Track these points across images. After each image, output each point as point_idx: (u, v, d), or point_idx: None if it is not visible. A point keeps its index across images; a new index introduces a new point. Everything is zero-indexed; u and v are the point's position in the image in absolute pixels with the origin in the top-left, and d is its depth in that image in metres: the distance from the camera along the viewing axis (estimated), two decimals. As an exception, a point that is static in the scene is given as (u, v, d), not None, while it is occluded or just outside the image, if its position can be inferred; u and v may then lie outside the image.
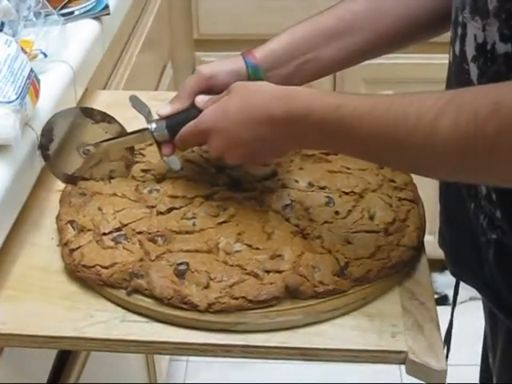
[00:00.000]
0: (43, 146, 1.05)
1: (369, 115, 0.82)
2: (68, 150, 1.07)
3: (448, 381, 0.86)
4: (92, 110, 1.09)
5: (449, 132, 0.74)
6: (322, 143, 0.90)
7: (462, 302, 2.36)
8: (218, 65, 1.06)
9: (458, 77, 0.92)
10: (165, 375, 1.99)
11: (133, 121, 1.26)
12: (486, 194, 0.91)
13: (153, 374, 1.80)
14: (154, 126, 1.04)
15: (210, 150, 0.98)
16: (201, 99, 1.02)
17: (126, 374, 1.57)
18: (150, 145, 1.13)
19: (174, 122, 1.03)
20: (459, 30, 0.89)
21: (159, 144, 1.04)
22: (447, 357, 1.16)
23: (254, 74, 1.04)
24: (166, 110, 1.04)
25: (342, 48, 1.06)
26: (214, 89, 1.03)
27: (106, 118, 1.08)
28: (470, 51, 0.87)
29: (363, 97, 0.86)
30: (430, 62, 2.09)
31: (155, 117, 1.05)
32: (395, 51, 1.10)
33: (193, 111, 1.02)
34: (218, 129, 0.95)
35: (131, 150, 1.09)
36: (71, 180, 1.08)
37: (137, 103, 1.07)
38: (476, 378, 1.26)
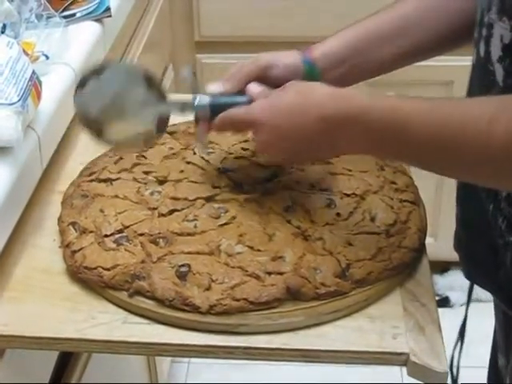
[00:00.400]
0: (84, 80, 1.01)
1: (424, 119, 0.82)
2: (104, 97, 1.02)
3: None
4: (152, 78, 1.03)
5: (503, 139, 0.75)
6: (373, 146, 0.89)
7: (462, 305, 2.37)
8: (277, 56, 1.04)
9: (482, 78, 0.91)
10: (166, 376, 2.00)
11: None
12: (507, 196, 0.91)
13: (154, 374, 1.80)
14: (197, 99, 1.01)
15: (256, 142, 0.98)
16: (253, 88, 1.00)
17: (128, 375, 1.57)
18: (151, 147, 1.14)
19: (219, 103, 1.01)
20: (484, 31, 0.89)
21: (197, 120, 1.02)
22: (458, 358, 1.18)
23: (310, 71, 1.04)
24: (215, 87, 1.02)
25: (394, 50, 1.06)
26: (267, 79, 1.02)
27: (158, 90, 1.03)
28: (496, 52, 0.87)
29: (417, 100, 0.85)
30: (432, 64, 2.09)
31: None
32: (443, 53, 1.10)
33: (241, 98, 1.00)
34: (268, 123, 0.93)
35: (166, 119, 1.05)
36: (89, 124, 1.03)
37: (189, 75, 1.05)
38: (480, 379, 1.26)
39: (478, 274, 1.07)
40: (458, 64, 2.08)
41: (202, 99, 1.01)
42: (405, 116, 0.83)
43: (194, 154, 1.12)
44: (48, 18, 1.22)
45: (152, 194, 1.04)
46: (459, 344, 1.26)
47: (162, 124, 1.04)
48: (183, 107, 1.03)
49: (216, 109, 1.00)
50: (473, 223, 1.04)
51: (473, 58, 0.95)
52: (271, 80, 1.02)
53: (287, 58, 1.04)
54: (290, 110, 0.92)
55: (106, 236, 0.97)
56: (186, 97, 1.02)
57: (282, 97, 0.94)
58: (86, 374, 1.18)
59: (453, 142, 0.80)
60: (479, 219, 0.99)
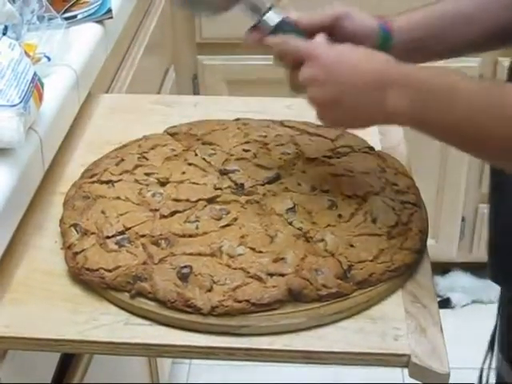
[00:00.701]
0: None
1: (471, 83, 0.89)
2: None
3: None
4: None
5: None
6: (419, 109, 0.89)
7: (463, 306, 2.37)
8: (356, 11, 1.03)
9: None
10: (167, 376, 2.00)
11: (135, 124, 1.27)
12: None
13: (155, 375, 1.80)
14: (271, 12, 1.01)
15: (305, 75, 0.95)
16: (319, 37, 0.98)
17: (129, 375, 1.57)
18: (153, 148, 1.14)
19: (286, 26, 1.01)
20: None
21: (254, 27, 1.02)
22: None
23: (384, 38, 1.03)
24: (293, 13, 1.02)
25: (458, 37, 1.06)
26: (339, 29, 1.01)
27: None
28: None
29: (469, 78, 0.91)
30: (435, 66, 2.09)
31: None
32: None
33: (304, 35, 0.99)
34: (325, 62, 0.94)
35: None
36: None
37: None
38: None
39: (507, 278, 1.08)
40: (461, 65, 2.09)
41: (273, 16, 1.01)
42: (453, 79, 0.89)
43: (196, 155, 1.12)
44: (50, 19, 1.22)
45: (154, 195, 1.04)
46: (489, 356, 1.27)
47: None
48: (253, 8, 1.02)
49: (280, 29, 1.00)
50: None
51: None
52: (342, 31, 1.01)
53: (365, 17, 1.04)
54: (349, 57, 0.94)
55: (108, 237, 0.97)
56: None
57: (351, 51, 0.95)
58: (88, 374, 1.18)
59: (500, 107, 0.83)
60: None
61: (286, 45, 0.99)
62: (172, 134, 1.19)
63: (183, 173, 1.09)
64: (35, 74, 1.03)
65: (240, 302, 0.89)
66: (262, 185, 1.06)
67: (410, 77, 0.91)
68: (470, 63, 2.08)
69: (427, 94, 0.89)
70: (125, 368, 1.51)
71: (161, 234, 0.97)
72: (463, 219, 2.38)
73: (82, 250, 0.96)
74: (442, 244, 2.37)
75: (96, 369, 1.22)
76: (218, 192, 1.05)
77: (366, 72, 0.92)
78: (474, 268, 2.43)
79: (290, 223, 0.99)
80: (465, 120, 0.87)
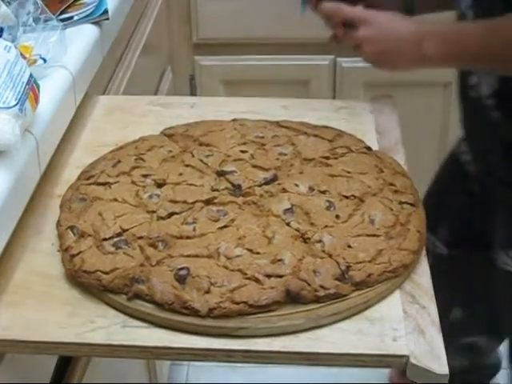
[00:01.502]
0: None
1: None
2: None
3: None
4: None
5: None
6: (451, 43, 1.23)
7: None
8: None
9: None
10: (166, 378, 2.00)
11: (133, 125, 1.27)
12: None
13: (154, 376, 1.80)
14: None
15: (359, 37, 1.27)
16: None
17: (128, 376, 1.57)
18: (149, 150, 1.14)
19: None
20: None
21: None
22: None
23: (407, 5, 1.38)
24: None
25: None
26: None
27: None
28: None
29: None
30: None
31: None
32: None
33: None
34: (378, 24, 1.26)
35: None
36: None
37: None
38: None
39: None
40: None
41: None
42: (467, 25, 1.27)
43: (193, 156, 1.12)
44: (45, 21, 1.22)
45: (151, 197, 1.04)
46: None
47: None
48: None
49: None
50: None
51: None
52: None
53: None
54: (394, 20, 1.27)
55: (105, 240, 0.97)
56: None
57: (389, 14, 1.27)
58: (87, 374, 1.18)
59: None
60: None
61: (341, 11, 1.29)
62: (169, 135, 1.19)
63: (180, 174, 1.08)
64: (31, 75, 1.03)
65: (238, 303, 0.88)
66: (260, 186, 1.06)
67: (439, 28, 1.25)
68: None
69: (455, 36, 1.23)
70: (124, 368, 1.51)
71: (158, 236, 0.97)
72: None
73: (79, 253, 0.95)
74: (439, 243, 2.36)
75: (95, 369, 1.21)
76: (216, 193, 1.05)
77: (408, 28, 1.26)
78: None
79: (288, 224, 0.99)
80: (485, 47, 1.19)
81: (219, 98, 1.38)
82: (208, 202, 1.03)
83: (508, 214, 1.35)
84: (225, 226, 0.99)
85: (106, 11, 1.36)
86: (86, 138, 1.25)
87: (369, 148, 1.17)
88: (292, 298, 0.90)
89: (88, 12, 1.35)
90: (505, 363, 1.72)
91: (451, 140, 2.30)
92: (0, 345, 0.89)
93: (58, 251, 0.99)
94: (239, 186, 1.06)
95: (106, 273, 0.92)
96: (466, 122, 1.42)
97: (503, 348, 1.69)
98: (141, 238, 0.97)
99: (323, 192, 1.05)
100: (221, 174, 1.09)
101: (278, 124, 1.21)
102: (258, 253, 0.94)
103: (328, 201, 1.03)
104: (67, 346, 0.89)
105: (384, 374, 2.05)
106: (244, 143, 1.15)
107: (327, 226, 0.99)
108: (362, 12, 1.28)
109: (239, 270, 0.92)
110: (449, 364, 0.85)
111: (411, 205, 1.04)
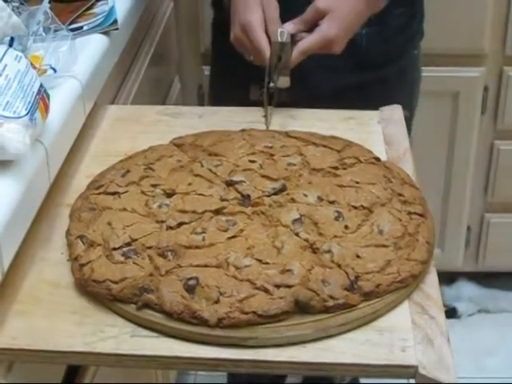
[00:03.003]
0: None
1: None
2: None
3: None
4: None
5: None
6: None
7: (470, 315, 2.36)
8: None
9: None
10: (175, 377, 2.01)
11: (141, 135, 1.27)
12: None
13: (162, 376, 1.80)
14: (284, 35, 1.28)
15: (335, 46, 1.30)
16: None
17: (140, 376, 1.56)
18: (158, 159, 1.14)
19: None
20: None
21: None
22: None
23: None
24: (290, 27, 1.31)
25: None
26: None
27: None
28: None
29: None
30: (439, 75, 2.10)
31: None
32: None
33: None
34: (341, 34, 1.30)
35: None
36: None
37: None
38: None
39: None
40: (464, 75, 2.09)
41: (285, 35, 1.28)
42: None
43: (202, 166, 1.12)
44: (55, 31, 1.22)
45: (160, 206, 1.04)
46: None
47: None
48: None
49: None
50: None
51: None
52: None
53: None
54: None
55: (114, 249, 0.97)
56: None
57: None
58: (97, 374, 1.18)
59: None
60: None
61: (310, 50, 1.30)
62: (178, 144, 1.19)
63: (189, 184, 1.09)
64: (41, 85, 1.04)
65: (247, 313, 0.88)
66: (269, 196, 1.06)
67: None
68: (474, 73, 2.09)
69: None
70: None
71: (167, 246, 0.97)
72: (469, 228, 2.38)
73: (89, 262, 0.96)
74: (447, 253, 2.36)
75: (106, 369, 1.21)
76: (225, 203, 1.05)
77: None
78: (479, 277, 2.43)
79: (297, 234, 0.99)
80: None
81: (227, 108, 1.38)
82: (217, 211, 1.03)
83: None
84: (234, 236, 0.99)
85: (115, 21, 1.36)
86: (95, 147, 1.25)
87: (377, 158, 1.17)
88: (301, 308, 0.90)
89: (98, 22, 1.35)
90: None
91: (459, 150, 2.31)
92: (9, 353, 0.89)
93: (68, 260, 0.99)
94: (248, 196, 1.06)
95: (116, 282, 0.92)
96: None
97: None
98: (150, 247, 0.97)
99: (332, 202, 1.05)
100: (230, 183, 1.09)
101: (286, 134, 1.22)
102: (267, 263, 0.94)
103: (337, 211, 1.03)
104: (76, 355, 0.89)
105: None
106: (253, 153, 1.15)
107: (336, 237, 0.99)
108: (317, 37, 1.29)
109: (248, 280, 0.92)
110: None
111: (420, 215, 1.04)
